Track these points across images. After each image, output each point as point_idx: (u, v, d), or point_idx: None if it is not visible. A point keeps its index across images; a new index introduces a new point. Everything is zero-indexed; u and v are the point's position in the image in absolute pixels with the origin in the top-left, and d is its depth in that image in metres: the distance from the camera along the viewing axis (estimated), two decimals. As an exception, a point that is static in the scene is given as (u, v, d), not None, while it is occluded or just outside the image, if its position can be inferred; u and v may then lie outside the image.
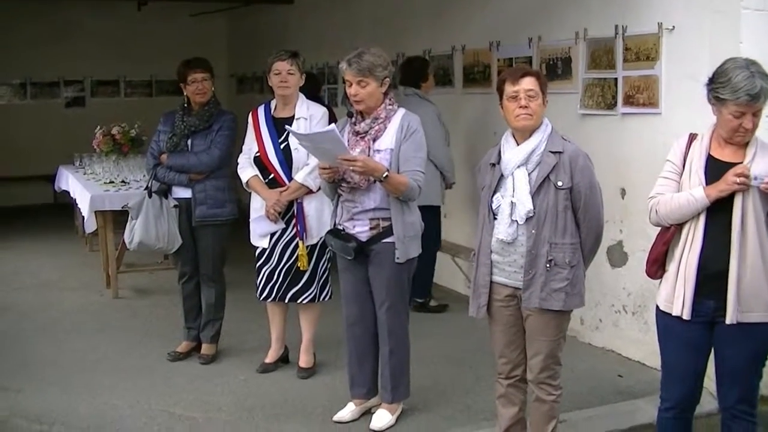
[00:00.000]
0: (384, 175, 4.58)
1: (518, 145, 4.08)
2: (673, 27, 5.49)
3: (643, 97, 5.73)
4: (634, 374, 5.74)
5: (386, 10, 9.32)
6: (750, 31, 5.07)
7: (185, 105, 6.03)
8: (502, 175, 4.09)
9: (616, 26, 5.90)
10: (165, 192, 6.05)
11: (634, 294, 5.95)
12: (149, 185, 6.06)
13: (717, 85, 3.70)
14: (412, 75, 7.32)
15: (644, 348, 5.77)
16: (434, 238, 7.50)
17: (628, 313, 6.04)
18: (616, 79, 5.95)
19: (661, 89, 5.60)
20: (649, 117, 5.72)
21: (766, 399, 5.22)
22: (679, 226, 3.85)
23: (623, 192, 6.00)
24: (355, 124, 4.81)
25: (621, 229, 6.03)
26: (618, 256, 6.10)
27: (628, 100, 5.87)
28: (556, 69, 6.55)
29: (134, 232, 6.04)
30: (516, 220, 4.01)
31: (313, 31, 11.15)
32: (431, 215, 7.32)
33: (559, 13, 6.56)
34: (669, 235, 3.92)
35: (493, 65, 7.39)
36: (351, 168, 4.59)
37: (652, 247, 4.03)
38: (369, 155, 4.68)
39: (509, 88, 4.03)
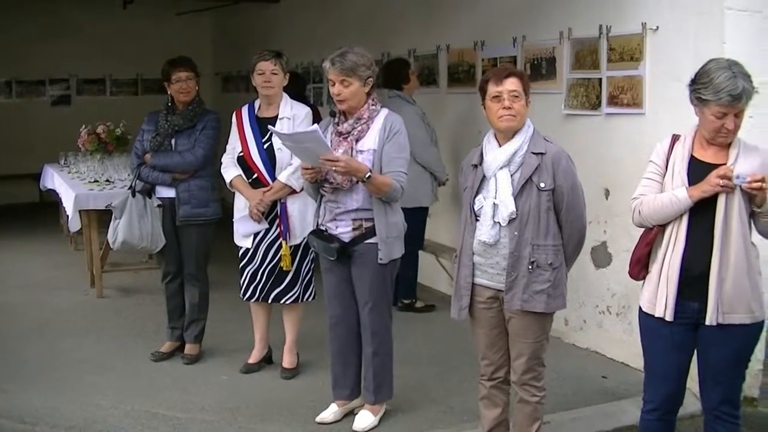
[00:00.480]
0: (367, 176, 4.57)
1: (500, 146, 4.07)
2: (657, 27, 5.49)
3: (627, 97, 5.74)
4: (619, 375, 5.74)
5: (372, 10, 9.33)
6: (733, 32, 5.07)
7: (169, 104, 6.01)
8: (484, 177, 4.08)
9: (600, 26, 5.90)
10: (149, 191, 6.04)
11: (618, 295, 5.96)
12: (133, 185, 6.04)
13: (699, 85, 3.69)
14: (393, 77, 7.32)
15: (628, 349, 5.77)
16: (420, 239, 7.52)
17: (612, 314, 6.04)
18: (600, 79, 5.96)
19: (645, 89, 5.61)
20: (633, 117, 5.72)
21: (750, 400, 5.28)
22: (662, 227, 3.86)
23: (607, 192, 6.00)
24: (338, 125, 4.79)
25: (605, 229, 6.04)
26: (602, 257, 6.11)
27: (613, 101, 5.87)
28: (540, 69, 6.55)
29: (118, 232, 6.03)
30: (498, 222, 4.00)
31: (299, 30, 11.13)
32: (419, 216, 7.34)
33: (544, 13, 6.55)
34: (652, 235, 3.92)
35: (477, 65, 7.39)
36: (333, 168, 4.58)
37: (635, 248, 4.03)
38: (352, 156, 4.67)
39: (492, 89, 4.02)
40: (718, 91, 3.61)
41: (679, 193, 3.74)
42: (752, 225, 3.79)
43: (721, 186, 3.63)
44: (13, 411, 5.19)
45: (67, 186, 8.42)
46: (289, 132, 5.19)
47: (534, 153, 4.00)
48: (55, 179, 9.33)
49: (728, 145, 3.78)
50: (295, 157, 5.19)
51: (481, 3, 7.42)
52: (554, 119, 6.38)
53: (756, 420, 5.12)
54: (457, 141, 7.64)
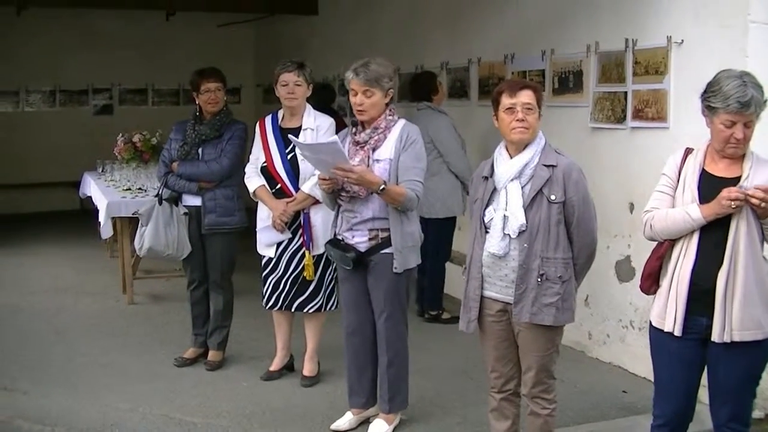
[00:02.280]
0: (381, 188, 4.60)
1: (511, 158, 4.07)
2: (682, 41, 5.46)
3: (652, 111, 5.70)
4: (639, 390, 5.67)
5: (406, 23, 9.37)
6: (757, 45, 5.03)
7: (197, 114, 6.10)
8: (494, 189, 4.08)
9: (626, 40, 5.88)
10: (175, 199, 6.12)
11: (641, 309, 5.90)
12: (160, 192, 6.13)
13: (709, 94, 3.68)
14: (421, 89, 7.36)
15: (650, 364, 5.68)
16: (448, 250, 7.52)
17: (635, 328, 5.99)
18: (625, 92, 5.93)
19: (670, 103, 5.57)
20: (657, 131, 5.69)
21: (756, 421, 5.19)
22: (672, 242, 3.83)
23: (632, 206, 5.97)
24: (356, 134, 4.83)
25: (629, 243, 6.00)
26: (626, 271, 6.06)
27: (637, 114, 5.84)
28: (567, 82, 6.54)
29: (144, 239, 6.12)
30: (508, 234, 3.99)
31: (335, 41, 11.20)
32: (449, 226, 7.36)
33: (572, 27, 6.54)
34: (662, 249, 3.90)
35: (507, 78, 7.38)
36: (346, 180, 4.61)
37: (646, 262, 4.01)
38: (368, 165, 4.71)
39: (506, 101, 4.02)
40: (727, 98, 3.58)
41: (692, 212, 3.69)
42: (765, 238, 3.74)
43: (733, 207, 3.59)
44: (33, 412, 5.29)
45: (101, 193, 8.56)
46: (309, 142, 5.23)
47: (545, 165, 3.99)
48: (91, 187, 9.48)
49: (741, 159, 3.73)
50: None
51: (511, 17, 7.42)
52: (580, 132, 6.38)
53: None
54: (487, 153, 7.53)
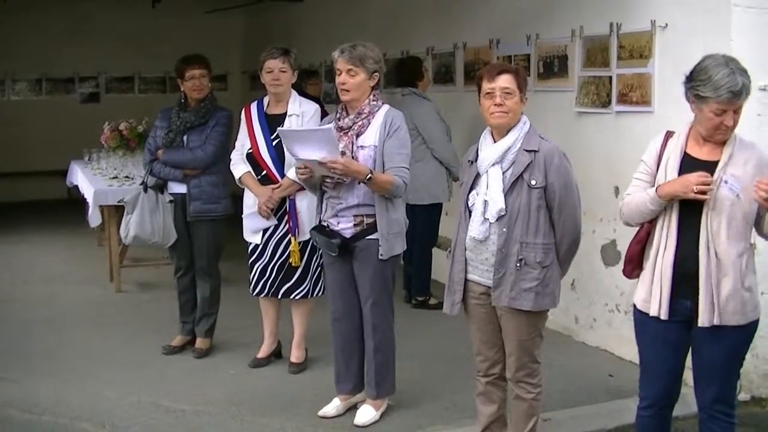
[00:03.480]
0: (367, 177, 4.60)
1: (495, 142, 4.07)
2: (666, 24, 5.47)
3: (636, 95, 5.71)
4: (625, 374, 5.68)
5: (392, 9, 9.38)
6: (741, 29, 5.05)
7: (182, 101, 6.08)
8: (478, 173, 4.09)
9: (611, 24, 5.89)
10: (161, 187, 6.11)
11: (627, 293, 5.89)
12: (145, 180, 6.12)
13: (697, 83, 3.65)
14: (407, 75, 7.35)
15: (636, 347, 5.73)
16: (435, 236, 7.53)
17: (621, 312, 6.02)
18: (610, 77, 5.94)
19: (654, 87, 5.59)
20: (642, 115, 5.70)
21: (758, 400, 5.24)
22: (653, 226, 3.84)
23: (617, 190, 5.97)
24: (339, 120, 4.83)
25: (614, 228, 6.01)
26: (611, 255, 6.09)
27: (622, 98, 5.85)
28: (553, 67, 6.55)
29: (129, 227, 6.14)
30: (488, 218, 4.00)
31: (322, 28, 11.19)
32: (435, 212, 7.36)
33: (557, 11, 6.55)
34: (642, 234, 3.91)
35: (492, 62, 7.36)
36: (332, 170, 4.61)
37: (627, 248, 4.02)
38: (352, 151, 4.71)
39: (485, 85, 4.02)
40: (718, 88, 3.56)
41: (650, 191, 3.72)
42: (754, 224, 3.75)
43: (695, 193, 3.59)
44: (21, 401, 5.29)
45: (88, 182, 8.55)
46: (299, 128, 5.21)
47: (527, 150, 3.99)
48: (78, 175, 9.46)
49: (724, 142, 3.74)
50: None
51: (496, 2, 7.42)
52: (566, 117, 6.39)
53: (766, 421, 5.09)
54: (474, 138, 7.56)
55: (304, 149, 4.75)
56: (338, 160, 4.57)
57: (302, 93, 5.96)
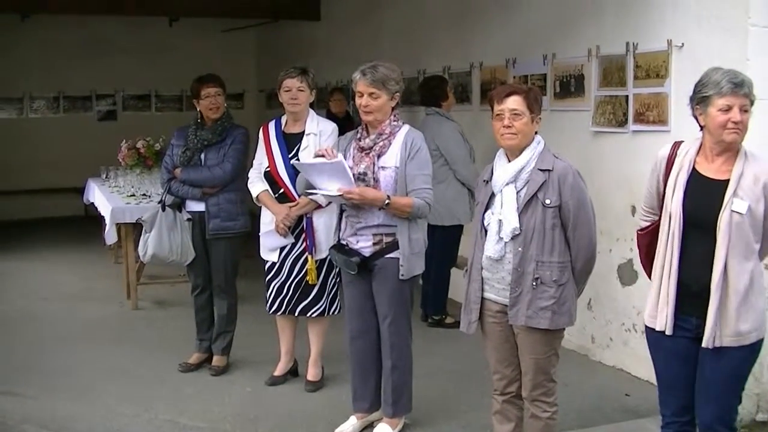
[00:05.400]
0: (386, 203, 4.63)
1: (509, 162, 4.09)
2: (683, 44, 5.47)
3: (653, 114, 5.72)
4: (642, 393, 5.68)
5: (409, 28, 9.40)
6: (757, 48, 5.05)
7: (198, 120, 6.12)
8: (493, 193, 4.11)
9: (627, 43, 5.90)
10: (179, 205, 6.15)
11: (644, 313, 5.90)
12: (163, 199, 6.16)
13: (699, 88, 3.69)
14: (431, 94, 7.32)
15: (653, 367, 5.71)
16: (453, 257, 7.51)
17: (638, 332, 5.99)
18: (627, 96, 5.94)
19: (671, 106, 5.59)
20: (658, 134, 5.68)
21: (760, 425, 5.20)
22: (656, 240, 3.88)
23: (633, 209, 5.97)
24: (360, 140, 4.85)
25: (631, 247, 5.99)
26: (628, 275, 6.08)
27: (639, 118, 5.86)
28: (569, 86, 6.56)
29: (147, 245, 6.16)
30: (503, 238, 4.02)
31: (338, 47, 11.25)
32: (455, 234, 7.33)
33: (573, 31, 6.56)
34: (645, 241, 4.03)
35: (509, 82, 7.39)
36: (349, 199, 4.65)
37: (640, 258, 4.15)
38: (374, 171, 4.73)
39: (495, 107, 4.05)
40: (719, 83, 3.59)
41: None
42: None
43: None
44: (37, 417, 5.33)
45: (106, 199, 8.60)
46: (312, 162, 5.22)
47: (540, 170, 4.01)
48: (95, 193, 9.51)
49: (734, 160, 3.70)
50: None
51: (513, 21, 7.44)
52: (583, 136, 6.40)
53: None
54: (490, 158, 7.52)
55: (322, 180, 4.80)
56: (354, 190, 4.61)
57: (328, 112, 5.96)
